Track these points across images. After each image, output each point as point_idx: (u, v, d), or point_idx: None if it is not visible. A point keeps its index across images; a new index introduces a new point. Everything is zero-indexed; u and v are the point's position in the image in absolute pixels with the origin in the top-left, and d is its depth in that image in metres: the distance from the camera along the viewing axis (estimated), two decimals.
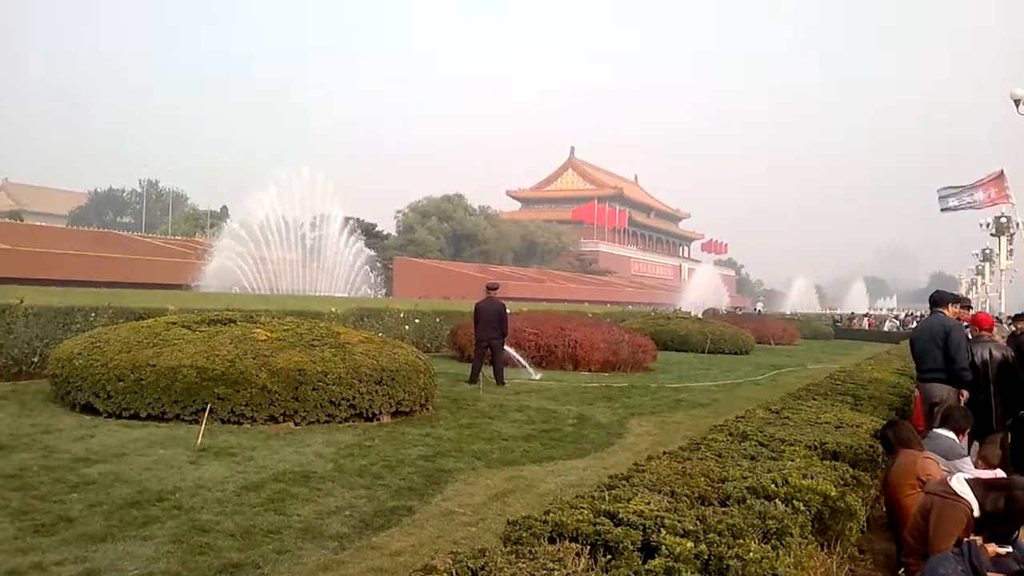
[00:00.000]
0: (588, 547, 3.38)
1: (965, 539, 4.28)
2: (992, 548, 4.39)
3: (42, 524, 5.62)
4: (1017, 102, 21.93)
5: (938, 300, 8.93)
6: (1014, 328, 10.20)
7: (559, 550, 3.26)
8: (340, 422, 9.98)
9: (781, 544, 3.74)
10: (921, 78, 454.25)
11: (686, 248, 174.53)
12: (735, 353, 29.12)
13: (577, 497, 4.07)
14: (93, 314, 14.46)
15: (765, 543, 3.68)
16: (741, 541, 3.54)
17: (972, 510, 4.46)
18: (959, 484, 4.58)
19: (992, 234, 45.38)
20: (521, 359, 17.82)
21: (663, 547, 3.36)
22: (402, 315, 22.64)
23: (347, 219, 62.12)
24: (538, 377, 17.00)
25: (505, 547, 3.41)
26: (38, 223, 78.90)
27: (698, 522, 3.73)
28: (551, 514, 3.66)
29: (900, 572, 5.15)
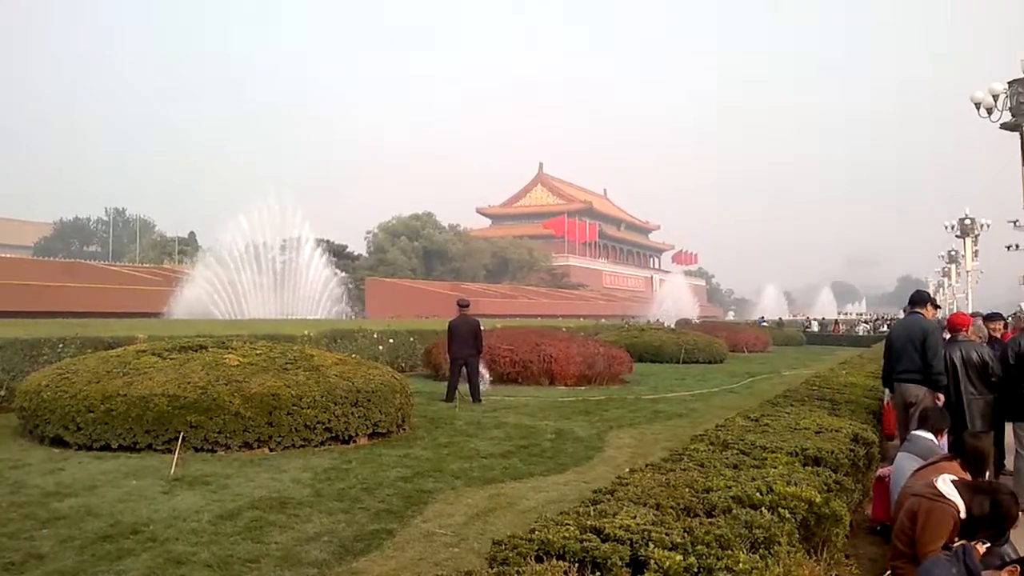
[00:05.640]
0: (576, 565, 3.32)
1: (955, 541, 4.26)
2: (982, 548, 4.37)
3: (11, 562, 5.45)
4: (977, 105, 22.17)
5: (917, 300, 8.97)
6: (989, 329, 10.25)
7: (546, 569, 3.20)
8: (316, 446, 9.83)
9: (769, 553, 3.70)
10: (893, 85, 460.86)
11: (657, 259, 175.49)
12: (709, 362, 29.20)
13: (562, 514, 4.00)
14: (60, 345, 14.19)
15: (753, 553, 3.64)
16: (730, 552, 3.50)
17: (959, 512, 4.44)
18: (945, 485, 4.55)
19: (957, 236, 46.02)
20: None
21: (652, 561, 3.31)
22: (376, 335, 22.48)
23: (317, 241, 61.91)
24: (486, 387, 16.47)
25: (491, 568, 3.34)
26: (4, 255, 77.87)
27: (685, 534, 3.68)
28: (536, 532, 3.60)
29: (887, 575, 5.12)
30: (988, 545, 4.59)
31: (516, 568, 3.24)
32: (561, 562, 3.31)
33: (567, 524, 3.71)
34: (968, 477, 5.05)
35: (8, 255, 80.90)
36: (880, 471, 6.99)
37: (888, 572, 5.03)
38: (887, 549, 5.33)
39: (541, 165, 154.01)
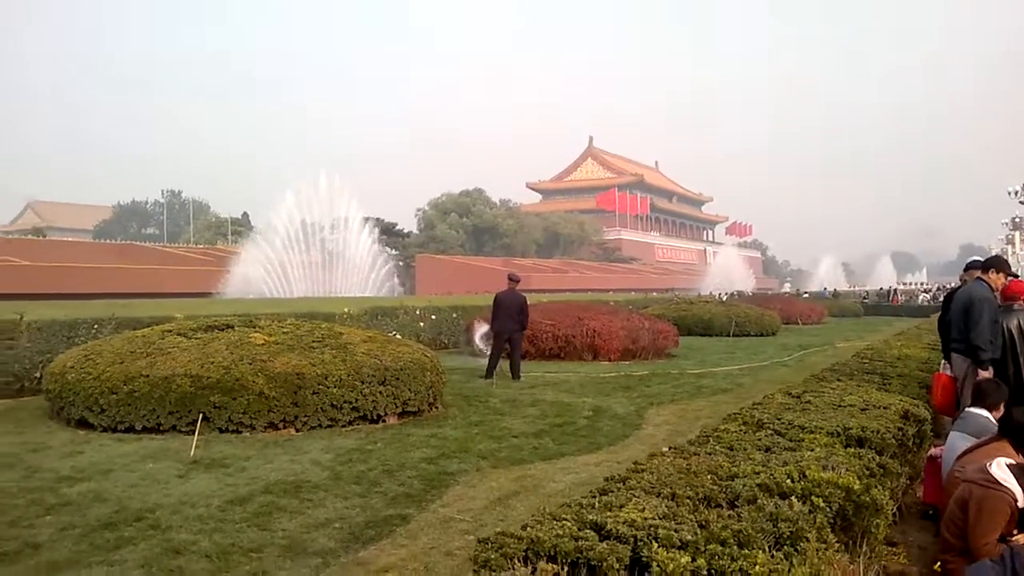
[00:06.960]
0: (567, 568, 2.92)
1: (1013, 533, 3.77)
2: None
3: (4, 553, 5.21)
4: None
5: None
6: None
7: (530, 573, 2.81)
8: (343, 426, 9.56)
9: (795, 551, 3.25)
10: (959, 51, 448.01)
11: (710, 232, 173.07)
12: (761, 335, 28.50)
13: (563, 506, 3.59)
14: (96, 326, 14.15)
15: (777, 550, 3.20)
16: (747, 551, 3.06)
17: (1016, 500, 3.93)
18: (1000, 470, 4.04)
19: (1021, 202, 44.34)
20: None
21: (654, 564, 2.89)
22: (418, 312, 22.24)
23: (366, 219, 62.01)
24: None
25: (474, 571, 2.96)
26: (67, 238, 79.58)
27: (699, 530, 3.25)
28: (528, 529, 3.20)
29: (936, 567, 4.64)
30: None
31: (499, 572, 2.86)
32: (551, 564, 2.92)
33: (564, 519, 3.30)
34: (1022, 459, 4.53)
35: (69, 238, 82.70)
36: (932, 450, 6.47)
37: (938, 564, 4.56)
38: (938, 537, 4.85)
39: (591, 139, 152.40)
